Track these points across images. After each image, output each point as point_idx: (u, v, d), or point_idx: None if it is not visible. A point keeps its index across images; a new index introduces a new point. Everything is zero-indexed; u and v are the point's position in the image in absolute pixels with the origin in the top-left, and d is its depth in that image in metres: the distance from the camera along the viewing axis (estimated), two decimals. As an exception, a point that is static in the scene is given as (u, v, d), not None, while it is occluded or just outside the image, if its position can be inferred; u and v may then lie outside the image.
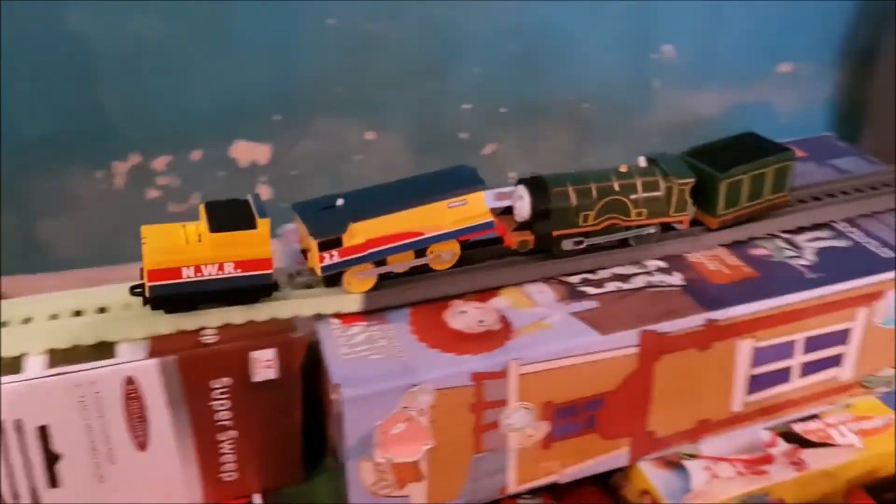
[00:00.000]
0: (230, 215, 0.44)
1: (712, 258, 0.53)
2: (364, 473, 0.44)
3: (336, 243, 0.45)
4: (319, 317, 0.47)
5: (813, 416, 0.55)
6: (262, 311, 0.45)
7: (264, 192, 0.90)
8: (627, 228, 0.52)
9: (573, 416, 0.48)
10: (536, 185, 0.50)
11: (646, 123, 1.03)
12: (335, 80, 0.88)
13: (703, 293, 0.50)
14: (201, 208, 0.44)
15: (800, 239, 0.55)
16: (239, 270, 0.44)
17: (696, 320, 0.48)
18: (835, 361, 0.54)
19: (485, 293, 0.49)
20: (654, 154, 0.53)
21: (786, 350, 0.52)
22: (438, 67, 0.91)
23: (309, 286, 0.48)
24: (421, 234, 0.47)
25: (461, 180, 0.48)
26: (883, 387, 0.57)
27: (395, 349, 0.45)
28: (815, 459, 0.52)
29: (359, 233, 0.46)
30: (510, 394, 0.46)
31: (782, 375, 0.53)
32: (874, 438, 0.54)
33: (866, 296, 0.52)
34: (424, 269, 0.49)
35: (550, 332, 0.47)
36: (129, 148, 0.84)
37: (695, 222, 0.54)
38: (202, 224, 0.44)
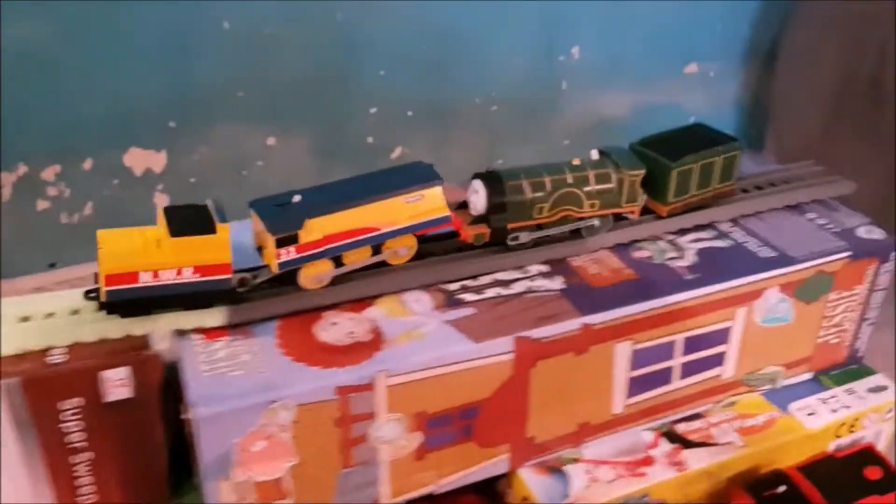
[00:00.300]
0: (189, 220, 0.43)
1: (595, 261, 0.53)
2: (224, 493, 0.43)
3: (293, 239, 0.45)
4: (182, 333, 0.45)
5: (697, 416, 0.56)
6: (116, 328, 0.43)
7: (161, 200, 0.87)
8: (581, 220, 0.52)
9: (447, 426, 0.47)
10: (492, 179, 0.50)
11: (556, 125, 1.04)
12: (234, 85, 0.86)
13: (581, 297, 0.49)
14: (160, 213, 0.44)
15: (683, 240, 0.55)
16: (198, 275, 0.43)
17: (571, 325, 0.48)
18: (716, 361, 0.54)
19: (361, 303, 0.48)
20: (606, 147, 0.54)
21: (666, 351, 0.52)
22: (342, 71, 0.90)
23: (263, 287, 0.47)
24: (377, 229, 0.47)
25: (417, 176, 0.49)
26: (767, 384, 0.57)
27: (258, 364, 0.43)
28: (695, 459, 0.52)
29: (315, 229, 0.46)
30: (378, 406, 0.45)
31: (663, 376, 0.53)
32: (755, 436, 0.54)
33: (745, 295, 0.52)
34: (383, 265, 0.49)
35: (422, 342, 0.46)
36: (16, 158, 0.81)
37: (646, 210, 0.55)
38: (161, 229, 0.44)
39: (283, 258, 0.45)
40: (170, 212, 0.44)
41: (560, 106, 1.03)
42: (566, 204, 0.51)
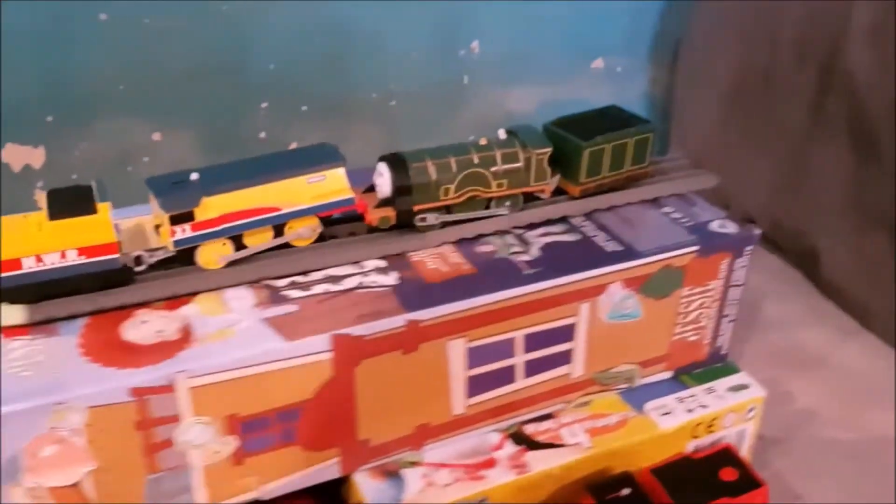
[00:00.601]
0: (70, 202, 0.43)
1: (435, 256, 0.51)
2: (16, 499, 0.40)
3: (188, 217, 0.44)
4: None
5: (548, 416, 0.54)
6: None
7: (41, 198, 0.84)
8: (489, 200, 0.52)
9: (265, 430, 0.45)
10: (396, 162, 0.50)
11: (458, 120, 1.02)
12: (114, 79, 0.83)
13: (411, 293, 0.48)
14: (41, 197, 0.43)
15: (531, 234, 0.54)
16: (84, 257, 0.43)
17: (396, 321, 0.46)
18: (563, 359, 0.53)
19: (178, 300, 0.46)
20: (514, 126, 0.54)
21: (505, 349, 0.50)
22: (229, 64, 0.87)
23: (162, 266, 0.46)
24: (278, 209, 0.47)
25: (321, 157, 0.49)
26: (623, 383, 0.56)
27: (51, 365, 0.41)
28: (538, 461, 0.51)
29: (213, 207, 0.45)
30: (182, 409, 0.42)
31: (506, 375, 0.51)
32: (604, 437, 0.53)
33: (587, 290, 0.51)
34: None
35: (231, 341, 0.43)
36: None
37: (559, 191, 0.55)
38: (42, 213, 0.43)
39: (179, 236, 0.45)
40: (51, 195, 0.43)
41: (463, 101, 1.01)
42: (473, 184, 0.51)
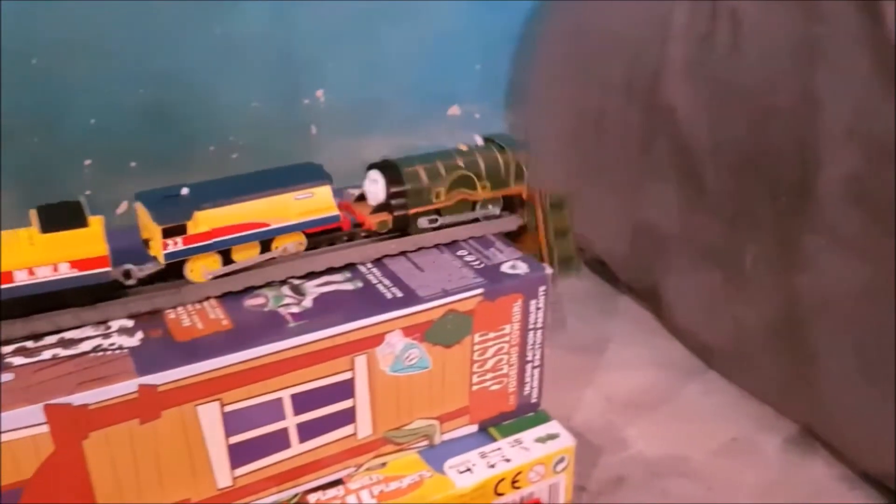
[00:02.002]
0: (61, 216, 0.44)
1: (197, 312, 0.47)
2: None
3: (180, 230, 0.45)
4: None
5: (338, 482, 0.49)
6: None
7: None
8: (475, 203, 0.54)
9: (-24, 517, 0.39)
10: (388, 168, 0.52)
11: (308, 172, 0.98)
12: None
13: (151, 355, 0.43)
14: (32, 213, 0.44)
15: (309, 284, 0.50)
16: (76, 270, 0.43)
17: (125, 387, 0.41)
18: (345, 418, 0.48)
19: None
20: (490, 134, 0.57)
21: (272, 411, 0.46)
22: (45, 121, 0.82)
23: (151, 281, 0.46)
24: (266, 224, 0.47)
25: (308, 175, 0.50)
26: (422, 441, 0.52)
27: None
28: (314, 534, 0.46)
29: (204, 221, 0.45)
30: None
31: (278, 440, 0.46)
32: (395, 501, 0.48)
33: (360, 342, 0.47)
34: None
35: (-75, 418, 0.38)
36: None
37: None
38: (33, 227, 0.43)
39: (171, 249, 0.45)
40: (42, 210, 0.44)
41: (312, 151, 0.98)
42: (461, 187, 0.53)
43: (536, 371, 0.54)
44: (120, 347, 0.43)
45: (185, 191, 0.46)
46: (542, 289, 0.52)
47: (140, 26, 0.84)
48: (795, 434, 0.65)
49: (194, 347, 0.44)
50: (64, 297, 0.43)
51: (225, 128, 0.92)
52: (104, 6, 0.81)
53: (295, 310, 0.47)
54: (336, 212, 0.50)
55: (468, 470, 0.51)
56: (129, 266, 0.46)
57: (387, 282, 0.50)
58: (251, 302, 0.48)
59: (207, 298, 0.48)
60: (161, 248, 0.45)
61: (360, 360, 0.47)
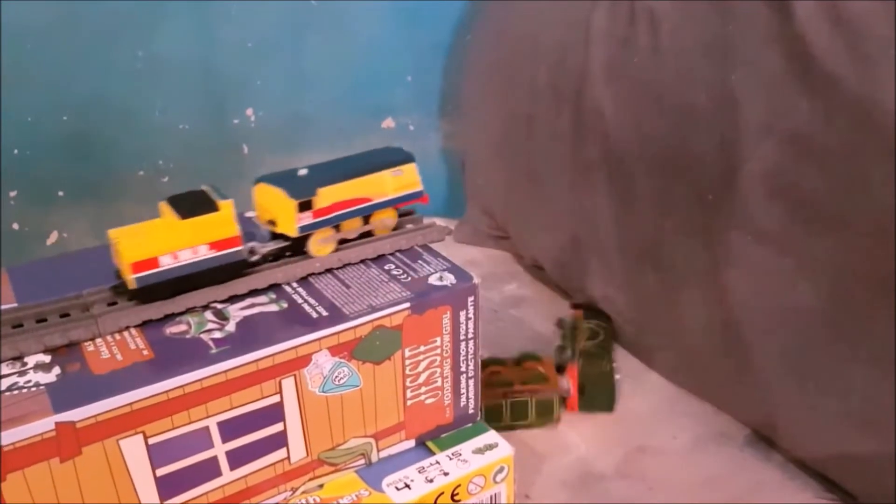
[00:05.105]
0: (194, 203, 0.47)
1: (117, 342, 0.45)
2: None
3: (309, 205, 0.49)
4: None
5: (273, 507, 0.48)
6: None
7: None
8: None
9: None
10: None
11: (242, 191, 0.96)
12: None
13: (69, 390, 0.42)
14: (162, 204, 0.48)
15: (233, 308, 0.49)
16: (214, 251, 0.47)
17: (40, 426, 0.40)
18: (276, 442, 0.47)
19: None
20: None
21: (198, 440, 0.45)
22: (-36, 152, 0.80)
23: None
24: (370, 199, 0.52)
25: (397, 154, 0.54)
26: (359, 460, 0.51)
27: None
28: (249, 562, 0.45)
29: (325, 197, 0.50)
30: None
31: (208, 469, 0.46)
32: (331, 523, 0.48)
33: (286, 364, 0.46)
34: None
35: None
36: None
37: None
38: (169, 217, 0.47)
39: (304, 222, 0.49)
40: (173, 200, 0.47)
41: (245, 170, 0.96)
42: None
43: (472, 382, 0.54)
44: (36, 384, 0.42)
45: (303, 171, 0.51)
46: (470, 299, 0.51)
47: (59, 53, 0.82)
48: (735, 430, 0.65)
49: (113, 380, 0.42)
50: (203, 277, 0.47)
51: (153, 152, 0.91)
52: (20, 33, 0.79)
53: (218, 335, 0.46)
54: (420, 187, 0.54)
55: (406, 486, 0.50)
56: (253, 244, 0.50)
57: (312, 301, 0.49)
58: (173, 329, 0.47)
59: (127, 328, 0.47)
60: (295, 223, 0.49)
61: (288, 383, 0.47)
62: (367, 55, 1.00)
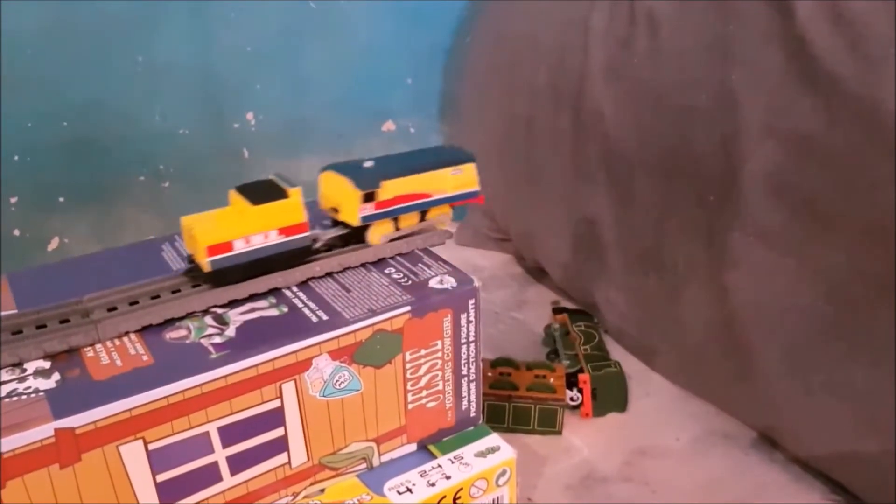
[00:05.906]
0: (263, 191, 0.49)
1: (116, 349, 0.45)
2: None
3: (372, 196, 0.50)
4: None
5: (275, 512, 0.48)
6: None
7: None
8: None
9: None
10: None
11: (243, 196, 0.97)
12: None
13: (68, 396, 0.41)
14: (232, 193, 0.49)
15: (233, 312, 0.49)
16: (283, 236, 0.49)
17: (40, 432, 0.40)
18: (277, 447, 0.47)
19: None
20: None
21: (199, 445, 0.45)
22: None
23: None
24: (429, 195, 0.53)
25: (457, 153, 0.55)
26: (360, 464, 0.51)
27: None
28: (249, 568, 0.45)
29: (388, 189, 0.51)
30: None
31: (209, 474, 0.45)
32: (332, 528, 0.47)
33: (287, 368, 0.46)
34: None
35: None
36: None
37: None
38: (239, 204, 0.48)
39: (367, 212, 0.50)
40: (242, 189, 0.49)
41: (246, 175, 0.95)
42: None
43: (473, 385, 0.54)
44: (35, 391, 0.42)
45: (369, 163, 0.52)
46: (471, 302, 0.51)
47: (59, 58, 0.82)
48: (738, 431, 0.65)
49: (113, 386, 0.42)
50: (272, 261, 0.48)
51: (153, 157, 0.91)
52: (20, 38, 0.79)
53: (217, 340, 0.46)
54: (477, 187, 0.55)
55: (408, 490, 0.50)
56: (316, 231, 0.51)
57: (312, 305, 0.49)
58: (173, 335, 0.47)
59: (126, 333, 0.47)
60: (358, 212, 0.50)
61: (288, 388, 0.46)
62: (366, 58, 0.99)
